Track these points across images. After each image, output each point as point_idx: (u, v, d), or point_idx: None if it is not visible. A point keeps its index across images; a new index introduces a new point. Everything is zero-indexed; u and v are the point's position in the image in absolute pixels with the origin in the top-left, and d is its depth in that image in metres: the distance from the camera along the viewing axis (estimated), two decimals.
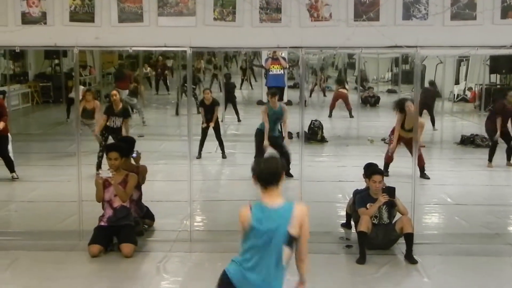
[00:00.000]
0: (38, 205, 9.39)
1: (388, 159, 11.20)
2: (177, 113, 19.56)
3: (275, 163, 4.08)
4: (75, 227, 7.69)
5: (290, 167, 10.80)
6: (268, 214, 3.96)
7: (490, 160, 12.21)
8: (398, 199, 7.22)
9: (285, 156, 10.84)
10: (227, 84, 19.52)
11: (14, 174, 10.78)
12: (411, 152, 9.82)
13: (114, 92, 11.69)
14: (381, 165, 7.57)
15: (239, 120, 18.59)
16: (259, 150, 10.95)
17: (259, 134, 11.10)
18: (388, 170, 10.98)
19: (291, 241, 3.98)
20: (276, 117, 11.00)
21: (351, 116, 20.01)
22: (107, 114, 11.40)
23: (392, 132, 11.20)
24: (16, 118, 11.12)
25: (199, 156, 12.84)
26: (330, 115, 20.06)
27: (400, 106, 10.92)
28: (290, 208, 3.98)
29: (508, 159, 12.34)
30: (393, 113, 11.16)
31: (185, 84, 19.59)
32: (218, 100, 14.10)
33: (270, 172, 4.01)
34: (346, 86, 21.41)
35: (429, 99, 16.81)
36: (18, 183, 10.66)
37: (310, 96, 25.27)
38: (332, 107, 20.49)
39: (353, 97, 20.82)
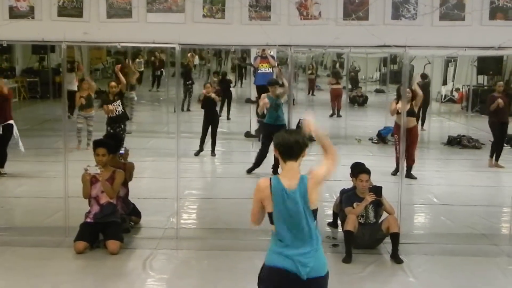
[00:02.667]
0: (25, 201, 9.33)
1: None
2: (175, 110, 19.33)
3: (296, 136, 4.04)
4: (61, 224, 7.65)
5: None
6: (288, 198, 3.98)
7: (491, 156, 12.28)
8: (385, 198, 7.25)
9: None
10: (223, 81, 19.45)
11: (2, 169, 10.71)
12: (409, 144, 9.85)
13: (113, 84, 11.66)
14: (370, 165, 7.53)
15: (228, 118, 18.57)
16: (265, 141, 11.11)
17: (263, 126, 11.16)
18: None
19: (314, 212, 4.06)
20: (276, 105, 11.25)
21: (338, 115, 20.05)
22: (105, 105, 11.40)
23: (396, 131, 11.07)
24: None
25: (199, 152, 12.70)
26: (334, 113, 20.31)
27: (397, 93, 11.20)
28: (304, 186, 4.04)
29: (496, 159, 12.33)
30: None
31: (187, 82, 19.64)
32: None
33: (289, 143, 4.00)
34: (339, 81, 21.35)
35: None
36: (4, 179, 10.58)
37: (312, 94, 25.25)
38: (333, 105, 20.58)
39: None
